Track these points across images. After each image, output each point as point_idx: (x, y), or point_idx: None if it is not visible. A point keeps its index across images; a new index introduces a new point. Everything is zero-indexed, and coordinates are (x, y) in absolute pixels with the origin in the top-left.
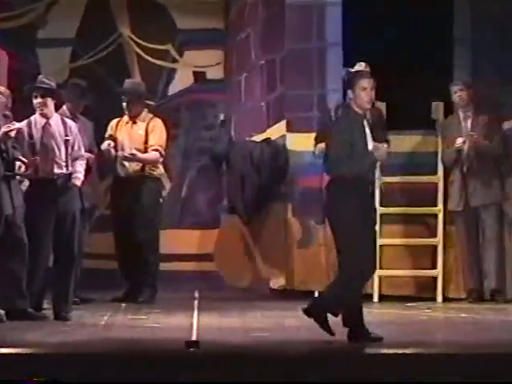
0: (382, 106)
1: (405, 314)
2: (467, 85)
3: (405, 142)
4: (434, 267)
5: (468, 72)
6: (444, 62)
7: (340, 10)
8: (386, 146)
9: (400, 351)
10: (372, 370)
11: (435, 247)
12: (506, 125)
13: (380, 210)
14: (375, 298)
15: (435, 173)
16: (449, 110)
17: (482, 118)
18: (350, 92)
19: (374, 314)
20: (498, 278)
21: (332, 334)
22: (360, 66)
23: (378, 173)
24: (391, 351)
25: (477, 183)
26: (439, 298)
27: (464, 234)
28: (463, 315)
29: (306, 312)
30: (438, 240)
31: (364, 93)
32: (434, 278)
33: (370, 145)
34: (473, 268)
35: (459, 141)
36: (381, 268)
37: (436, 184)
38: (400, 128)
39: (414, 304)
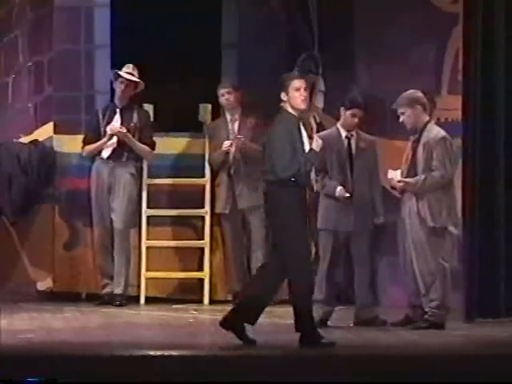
0: (149, 107)
1: (172, 316)
2: (234, 88)
3: (172, 144)
4: (200, 269)
5: (235, 75)
6: (212, 65)
7: (108, 11)
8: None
9: (166, 353)
10: (141, 371)
11: (202, 249)
12: None
13: (147, 212)
14: (142, 300)
15: (203, 175)
16: (217, 112)
17: (249, 121)
18: (283, 94)
19: (141, 316)
20: None
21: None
22: (128, 68)
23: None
24: (158, 353)
25: (243, 186)
26: (206, 300)
27: (230, 236)
28: None
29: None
30: (205, 242)
31: (298, 93)
32: (201, 280)
33: (307, 147)
34: (238, 270)
35: (226, 143)
36: (148, 270)
37: (203, 186)
38: (167, 130)
39: (180, 306)
